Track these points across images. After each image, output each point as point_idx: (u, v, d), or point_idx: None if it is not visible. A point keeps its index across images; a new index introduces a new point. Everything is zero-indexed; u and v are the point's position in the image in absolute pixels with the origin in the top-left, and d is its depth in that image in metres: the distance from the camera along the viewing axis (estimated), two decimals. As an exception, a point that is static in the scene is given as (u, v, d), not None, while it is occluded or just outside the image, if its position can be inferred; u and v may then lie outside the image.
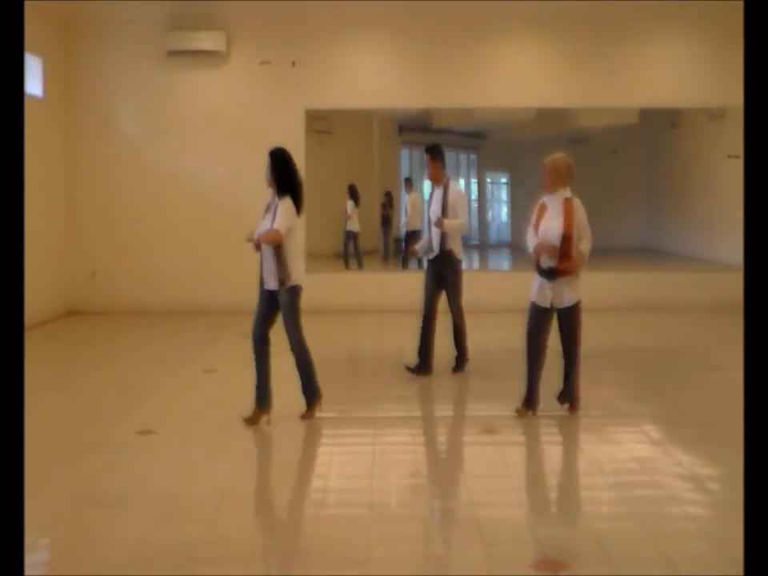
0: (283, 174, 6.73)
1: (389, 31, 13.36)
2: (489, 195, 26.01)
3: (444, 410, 7.68)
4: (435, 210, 8.51)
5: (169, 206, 13.26)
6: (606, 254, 20.26)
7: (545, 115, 16.04)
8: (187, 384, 8.47)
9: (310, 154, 13.17)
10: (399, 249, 21.03)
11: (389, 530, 4.76)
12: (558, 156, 6.89)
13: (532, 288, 6.93)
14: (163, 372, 9.03)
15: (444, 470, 5.90)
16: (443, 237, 8.48)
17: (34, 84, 12.11)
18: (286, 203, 6.64)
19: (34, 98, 12.05)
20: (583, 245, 6.73)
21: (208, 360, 9.52)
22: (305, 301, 6.81)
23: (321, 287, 12.03)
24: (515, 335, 11.48)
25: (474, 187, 25.15)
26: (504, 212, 26.17)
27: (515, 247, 23.74)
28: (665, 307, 13.04)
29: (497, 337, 11.26)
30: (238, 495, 5.37)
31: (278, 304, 6.78)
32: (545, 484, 5.59)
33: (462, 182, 24.93)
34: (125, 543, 4.56)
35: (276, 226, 6.56)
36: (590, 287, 13.33)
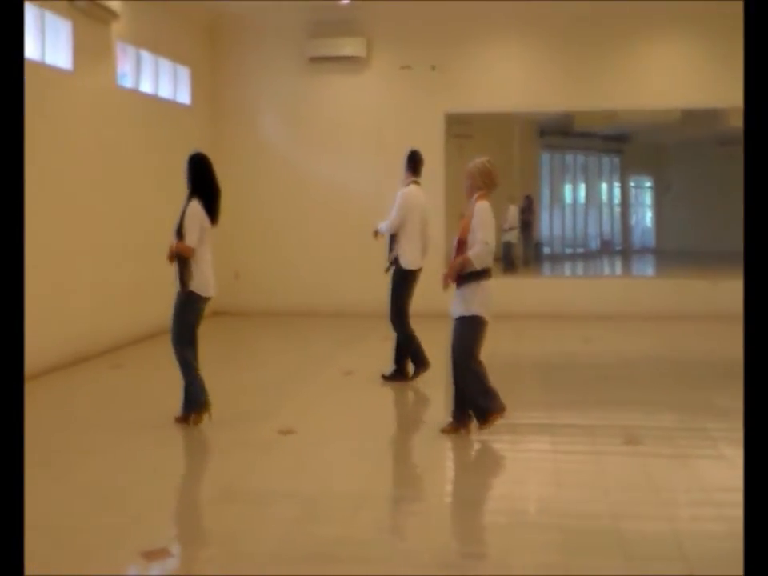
0: (196, 179, 6.78)
1: (529, 33, 13.21)
2: (632, 200, 25.42)
3: (580, 419, 7.49)
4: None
5: (310, 210, 13.50)
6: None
7: (692, 116, 15.55)
8: (328, 385, 8.59)
9: (449, 159, 13.18)
10: (539, 254, 20.81)
11: (528, 537, 4.68)
12: (475, 162, 6.47)
13: None
14: (304, 373, 9.18)
15: (584, 479, 5.76)
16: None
17: (183, 93, 12.63)
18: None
19: (183, 106, 12.58)
20: (472, 250, 6.24)
21: (348, 362, 9.63)
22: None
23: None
24: (658, 343, 11.22)
25: (617, 191, 24.62)
26: (648, 217, 25.53)
27: (660, 253, 23.11)
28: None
29: (639, 345, 10.92)
30: (377, 496, 5.39)
31: None
32: (691, 498, 5.38)
33: (603, 185, 24.48)
34: (266, 540, 4.64)
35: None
36: (730, 294, 12.92)
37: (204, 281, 6.74)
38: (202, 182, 6.79)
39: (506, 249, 17.33)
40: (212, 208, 6.76)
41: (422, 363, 8.41)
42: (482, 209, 6.30)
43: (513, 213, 17.83)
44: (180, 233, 6.66)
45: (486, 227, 6.25)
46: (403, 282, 8.34)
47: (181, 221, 6.68)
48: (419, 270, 8.37)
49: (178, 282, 6.72)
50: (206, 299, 6.81)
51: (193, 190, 6.77)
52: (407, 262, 8.29)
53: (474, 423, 6.52)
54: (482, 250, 6.21)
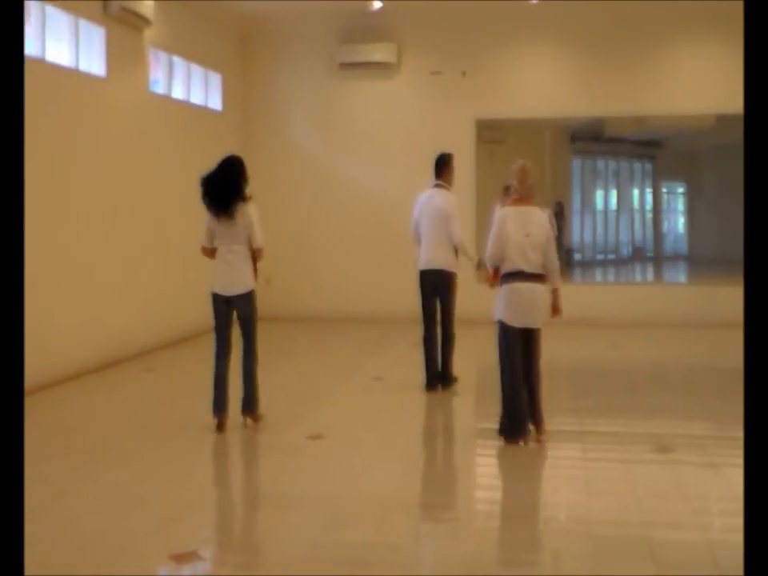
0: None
1: (560, 38, 13.15)
2: (665, 206, 25.20)
3: (611, 426, 7.43)
4: None
5: (340, 215, 13.52)
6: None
7: (726, 121, 15.36)
8: (358, 390, 8.60)
9: (480, 165, 13.15)
10: (570, 260, 20.69)
11: (559, 545, 4.65)
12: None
13: None
14: (334, 378, 9.19)
15: (615, 487, 5.71)
16: None
17: (214, 99, 12.73)
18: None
19: (214, 112, 12.68)
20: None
21: (378, 368, 9.63)
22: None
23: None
24: (689, 350, 11.11)
25: (649, 197, 24.42)
26: (681, 223, 25.30)
27: (692, 259, 22.89)
28: None
29: (671, 353, 10.83)
30: (407, 502, 5.38)
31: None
32: (723, 508, 5.32)
33: (635, 191, 24.28)
34: (296, 544, 4.64)
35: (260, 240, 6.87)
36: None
37: (214, 278, 6.87)
38: (205, 180, 6.87)
39: None
40: (211, 205, 6.80)
41: (433, 377, 8.27)
42: (496, 215, 6.43)
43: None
44: None
45: (491, 234, 6.36)
46: (418, 282, 8.33)
47: None
48: (431, 271, 8.17)
49: None
50: (217, 296, 6.85)
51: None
52: (419, 263, 8.31)
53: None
54: (485, 253, 6.40)
